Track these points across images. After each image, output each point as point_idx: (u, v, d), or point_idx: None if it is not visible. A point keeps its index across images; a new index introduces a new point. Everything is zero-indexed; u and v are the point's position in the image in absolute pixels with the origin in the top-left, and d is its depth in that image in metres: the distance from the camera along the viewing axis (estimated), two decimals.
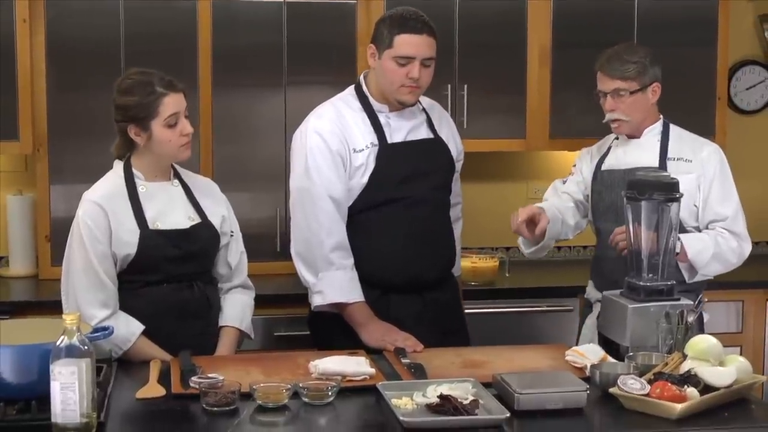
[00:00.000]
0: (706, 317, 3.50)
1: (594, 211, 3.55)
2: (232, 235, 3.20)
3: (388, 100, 3.30)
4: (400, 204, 3.29)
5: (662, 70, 3.45)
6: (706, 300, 3.55)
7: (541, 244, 3.43)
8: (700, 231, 3.41)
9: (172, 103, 3.00)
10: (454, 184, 3.50)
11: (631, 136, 3.50)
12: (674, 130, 3.51)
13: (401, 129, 3.33)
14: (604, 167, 3.53)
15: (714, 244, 3.34)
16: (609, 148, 3.56)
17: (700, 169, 3.41)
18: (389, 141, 3.29)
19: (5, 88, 4.07)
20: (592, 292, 3.57)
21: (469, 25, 4.33)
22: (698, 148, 3.46)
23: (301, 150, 3.28)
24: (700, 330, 3.42)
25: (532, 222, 3.29)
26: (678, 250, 3.22)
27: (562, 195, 3.62)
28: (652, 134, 3.48)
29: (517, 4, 4.37)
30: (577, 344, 3.25)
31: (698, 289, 3.42)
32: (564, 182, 3.65)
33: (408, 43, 3.21)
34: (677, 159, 3.43)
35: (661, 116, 3.51)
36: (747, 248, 3.44)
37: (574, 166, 3.67)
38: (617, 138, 3.53)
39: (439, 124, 3.44)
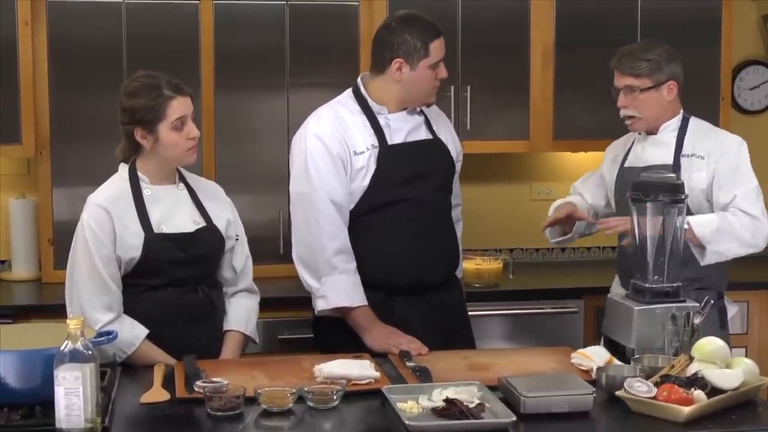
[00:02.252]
0: (731, 312, 3.48)
1: (617, 208, 3.53)
2: (237, 239, 3.18)
3: (401, 104, 3.29)
4: (402, 206, 3.28)
5: None
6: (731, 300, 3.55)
7: (567, 237, 3.56)
8: None
9: (180, 106, 2.98)
10: (454, 186, 3.49)
11: (649, 132, 3.48)
12: (693, 124, 3.48)
13: (401, 130, 3.31)
14: (626, 165, 3.53)
15: (720, 218, 3.28)
16: (632, 144, 3.55)
17: (714, 164, 3.38)
18: (389, 142, 3.28)
19: (7, 90, 4.05)
20: (616, 288, 3.55)
21: (471, 25, 4.32)
22: (712, 145, 3.42)
23: (301, 154, 3.26)
24: (723, 324, 3.40)
25: (568, 218, 3.43)
26: (686, 227, 3.17)
27: (575, 196, 3.68)
28: (668, 130, 3.46)
29: (519, 5, 4.36)
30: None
31: (716, 286, 3.41)
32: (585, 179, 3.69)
33: (440, 47, 3.26)
34: (691, 155, 3.41)
35: (682, 111, 3.48)
36: (765, 228, 3.34)
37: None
38: (640, 133, 3.51)
39: (437, 125, 3.43)
